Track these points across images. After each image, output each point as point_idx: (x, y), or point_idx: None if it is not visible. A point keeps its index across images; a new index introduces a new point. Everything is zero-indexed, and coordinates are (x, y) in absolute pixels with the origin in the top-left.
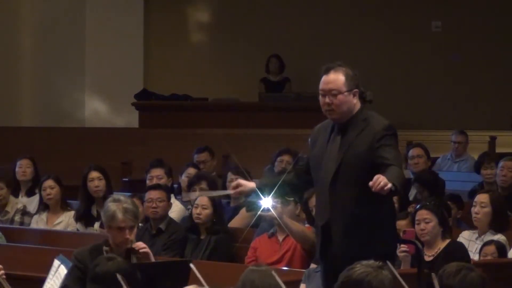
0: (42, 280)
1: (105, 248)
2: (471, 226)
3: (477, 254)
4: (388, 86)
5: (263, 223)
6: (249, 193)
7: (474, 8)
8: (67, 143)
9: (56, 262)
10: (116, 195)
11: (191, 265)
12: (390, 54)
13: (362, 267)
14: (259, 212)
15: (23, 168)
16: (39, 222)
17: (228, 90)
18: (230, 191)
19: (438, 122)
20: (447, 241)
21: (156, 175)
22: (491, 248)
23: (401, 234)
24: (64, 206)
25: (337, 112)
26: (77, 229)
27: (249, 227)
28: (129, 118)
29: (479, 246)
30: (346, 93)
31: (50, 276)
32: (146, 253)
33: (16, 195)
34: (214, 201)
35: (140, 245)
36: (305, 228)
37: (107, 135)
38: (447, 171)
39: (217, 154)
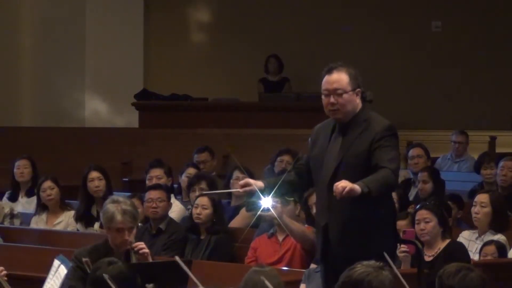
0: (42, 280)
1: (84, 259)
2: (471, 226)
3: (477, 254)
4: (388, 86)
5: (263, 223)
6: (257, 191)
7: (474, 8)
8: (67, 143)
9: (56, 262)
10: (115, 196)
11: (177, 258)
12: (390, 54)
13: (362, 267)
14: (259, 212)
15: (21, 169)
16: (38, 223)
17: (228, 90)
18: (238, 190)
19: (438, 122)
20: (447, 241)
21: (156, 175)
22: (491, 248)
23: (401, 234)
24: (63, 206)
25: (341, 112)
26: (77, 229)
27: (249, 227)
28: (129, 118)
29: (479, 246)
30: (350, 92)
31: (50, 276)
32: (144, 255)
33: (16, 196)
34: (214, 201)
35: (139, 245)
36: (305, 228)
37: (107, 135)
38: (447, 171)
39: (217, 154)
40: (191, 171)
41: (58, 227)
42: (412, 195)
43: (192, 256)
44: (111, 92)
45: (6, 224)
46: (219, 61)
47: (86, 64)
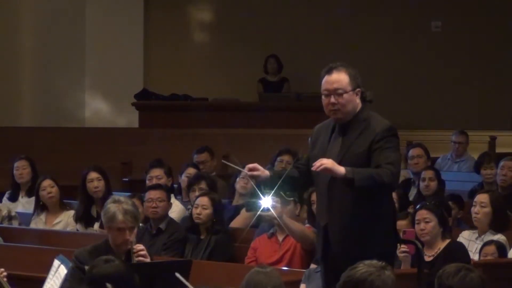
0: (42, 280)
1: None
2: (471, 226)
3: (477, 254)
4: (388, 86)
5: (263, 224)
6: (262, 179)
7: (474, 8)
8: (67, 143)
9: (56, 262)
10: (116, 196)
11: (177, 274)
12: (390, 54)
13: (364, 267)
14: (259, 212)
15: (20, 170)
16: (38, 223)
17: (228, 90)
18: (245, 171)
19: (438, 122)
20: (447, 241)
21: (156, 175)
22: (491, 248)
23: (401, 234)
24: (62, 206)
25: (342, 112)
26: (77, 229)
27: (249, 227)
28: (129, 118)
29: (479, 246)
30: (350, 92)
31: (50, 276)
32: (142, 257)
33: (16, 196)
34: (214, 201)
35: (139, 248)
36: (305, 228)
37: (107, 135)
38: (447, 171)
39: (217, 154)
40: (191, 171)
41: (57, 227)
42: (412, 195)
43: (192, 256)
44: (111, 92)
45: (5, 225)
46: (219, 61)
47: (86, 64)
